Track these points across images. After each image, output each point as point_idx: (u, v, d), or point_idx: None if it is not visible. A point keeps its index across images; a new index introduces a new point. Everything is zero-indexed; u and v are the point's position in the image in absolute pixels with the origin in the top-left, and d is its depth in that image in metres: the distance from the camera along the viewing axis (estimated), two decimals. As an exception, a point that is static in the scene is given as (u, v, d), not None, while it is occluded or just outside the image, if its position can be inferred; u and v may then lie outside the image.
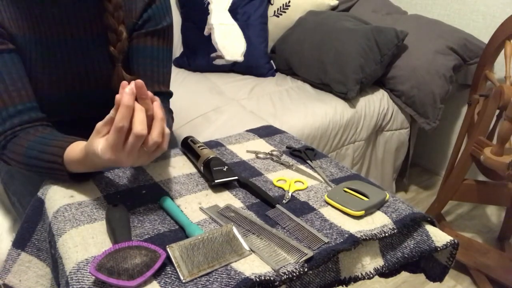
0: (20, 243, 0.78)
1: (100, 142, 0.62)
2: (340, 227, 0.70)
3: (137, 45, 0.89)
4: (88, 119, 0.89)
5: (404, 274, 1.04)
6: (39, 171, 0.76)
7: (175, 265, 0.59)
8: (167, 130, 0.64)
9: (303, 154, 0.94)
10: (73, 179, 0.76)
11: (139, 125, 0.59)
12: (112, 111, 0.61)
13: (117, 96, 0.60)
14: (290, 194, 0.79)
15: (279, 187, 0.81)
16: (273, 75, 1.94)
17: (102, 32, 0.86)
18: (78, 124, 0.95)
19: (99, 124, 0.63)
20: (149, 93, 0.62)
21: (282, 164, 0.90)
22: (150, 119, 0.62)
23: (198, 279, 0.58)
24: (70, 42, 0.85)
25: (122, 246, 0.61)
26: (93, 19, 0.85)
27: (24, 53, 0.82)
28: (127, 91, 0.59)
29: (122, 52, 0.87)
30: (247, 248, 0.64)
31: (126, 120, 0.59)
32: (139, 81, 0.60)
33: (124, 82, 0.60)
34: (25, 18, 0.80)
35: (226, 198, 0.77)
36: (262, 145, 0.98)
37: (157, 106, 0.63)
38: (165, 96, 0.94)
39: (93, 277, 0.58)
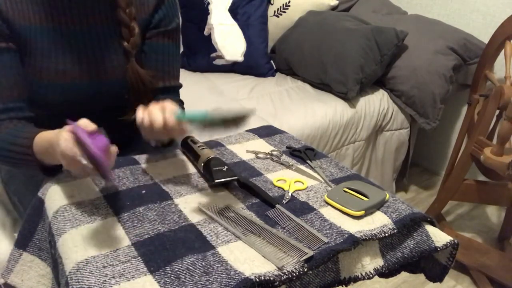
0: (22, 243, 0.78)
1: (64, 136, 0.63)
2: (340, 227, 0.70)
3: (152, 43, 0.95)
4: (94, 113, 0.90)
5: (404, 274, 1.03)
6: (12, 161, 0.79)
7: None
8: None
9: (303, 154, 0.94)
10: (45, 170, 0.78)
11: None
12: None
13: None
14: (290, 194, 0.79)
15: (279, 187, 0.81)
16: (273, 75, 1.94)
17: (114, 24, 0.89)
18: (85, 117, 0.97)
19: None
20: None
21: (282, 164, 0.90)
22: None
23: (198, 279, 0.58)
24: (79, 32, 0.87)
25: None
26: (103, 11, 0.88)
27: (30, 44, 0.83)
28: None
29: (135, 46, 0.91)
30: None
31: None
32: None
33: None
34: (36, 9, 0.82)
35: (226, 198, 0.77)
36: (262, 145, 0.98)
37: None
38: (176, 89, 1.02)
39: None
